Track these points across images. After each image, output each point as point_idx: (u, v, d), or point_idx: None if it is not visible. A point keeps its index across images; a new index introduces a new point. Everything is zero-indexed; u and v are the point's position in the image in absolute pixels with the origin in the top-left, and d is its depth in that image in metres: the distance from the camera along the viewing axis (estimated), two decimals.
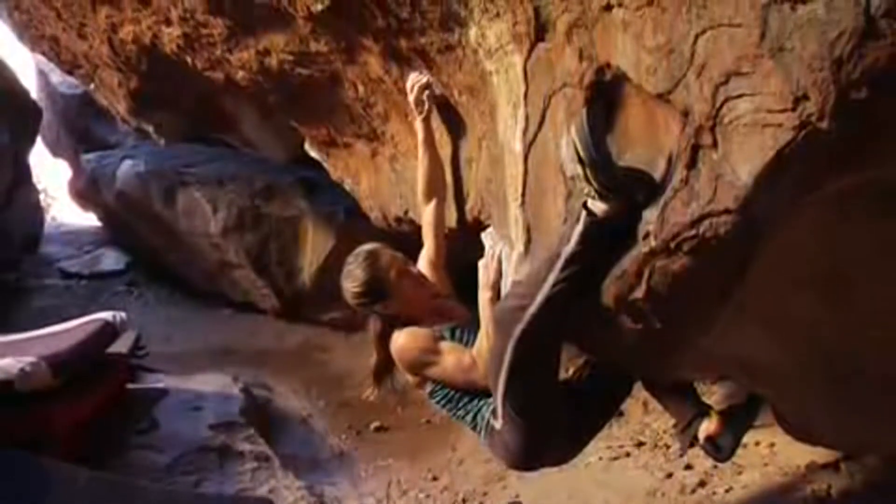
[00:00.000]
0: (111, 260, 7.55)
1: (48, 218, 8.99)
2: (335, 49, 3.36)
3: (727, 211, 1.78)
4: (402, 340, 2.83)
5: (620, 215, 2.06)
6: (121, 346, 4.10)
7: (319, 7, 3.13)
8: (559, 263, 2.16)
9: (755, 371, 2.66)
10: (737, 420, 2.80)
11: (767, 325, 2.33)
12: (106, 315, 3.98)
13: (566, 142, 2.29)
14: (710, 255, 1.88)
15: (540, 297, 2.19)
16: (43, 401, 3.34)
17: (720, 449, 2.79)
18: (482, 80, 2.79)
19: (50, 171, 9.85)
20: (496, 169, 2.86)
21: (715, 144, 1.78)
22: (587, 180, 2.02)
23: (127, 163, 6.68)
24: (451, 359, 2.76)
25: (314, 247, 5.81)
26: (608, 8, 2.03)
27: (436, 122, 3.22)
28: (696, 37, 1.76)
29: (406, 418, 4.82)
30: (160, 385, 4.31)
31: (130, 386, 4.19)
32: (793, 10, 1.52)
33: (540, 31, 2.36)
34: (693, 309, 2.09)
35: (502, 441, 2.65)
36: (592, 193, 2.04)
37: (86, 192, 7.52)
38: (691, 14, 1.77)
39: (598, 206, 2.06)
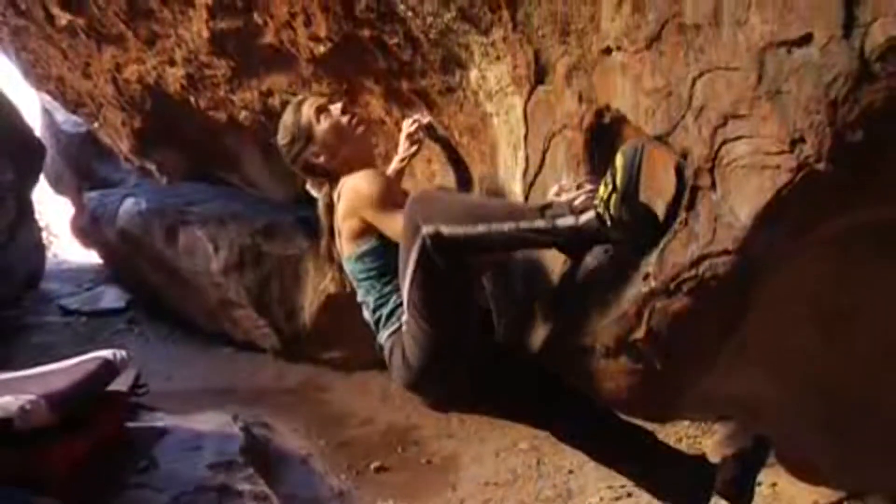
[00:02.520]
0: (112, 297, 7.53)
1: (49, 255, 8.98)
2: (337, 90, 3.39)
3: (726, 252, 1.79)
4: (363, 176, 2.54)
5: (617, 245, 2.07)
6: (120, 384, 4.09)
7: (322, 49, 3.18)
8: (520, 224, 2.08)
9: (756, 410, 2.65)
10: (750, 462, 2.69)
11: (768, 363, 2.33)
12: (106, 353, 3.96)
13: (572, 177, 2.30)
14: (709, 295, 1.88)
15: (476, 230, 2.10)
16: (42, 439, 3.32)
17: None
18: (483, 121, 2.81)
19: (52, 208, 9.88)
20: None
21: (714, 186, 1.79)
22: (607, 206, 1.96)
23: (129, 201, 6.70)
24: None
25: (315, 286, 5.81)
26: (607, 51, 2.07)
27: (437, 163, 3.24)
28: (694, 80, 1.79)
29: (406, 458, 4.79)
30: (160, 424, 4.28)
31: (130, 424, 4.16)
32: (789, 53, 1.54)
33: (540, 73, 2.39)
34: (694, 349, 2.09)
35: (402, 348, 2.41)
36: (606, 217, 1.99)
37: (87, 229, 7.54)
38: (689, 58, 1.79)
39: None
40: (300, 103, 2.75)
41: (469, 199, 2.53)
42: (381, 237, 2.52)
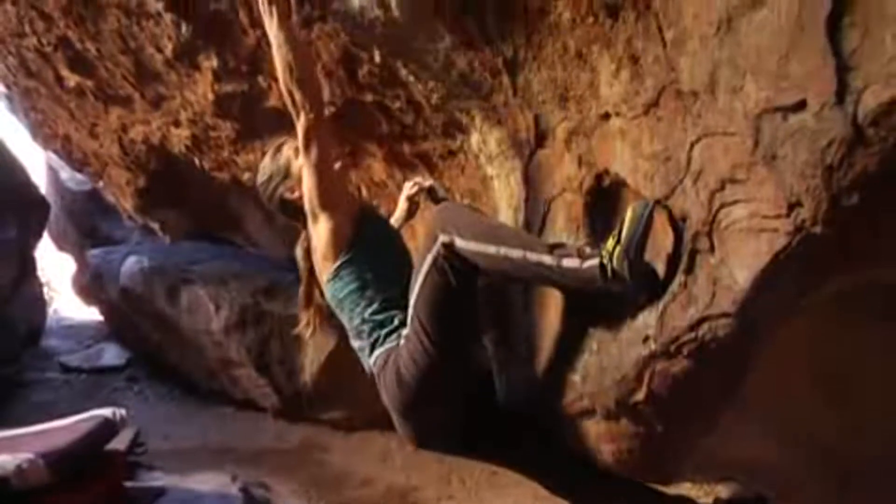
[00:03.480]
0: (112, 355, 7.51)
1: (50, 311, 8.98)
2: (340, 153, 3.42)
3: (725, 314, 1.80)
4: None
5: (616, 295, 2.07)
6: (119, 442, 4.06)
7: (325, 112, 3.21)
8: (529, 255, 2.12)
9: (758, 470, 2.63)
10: None
11: (769, 423, 2.33)
12: (105, 412, 3.94)
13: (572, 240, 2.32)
14: (710, 357, 1.89)
15: (487, 249, 2.16)
16: (40, 498, 3.29)
17: None
18: (483, 184, 2.84)
19: (54, 265, 9.91)
20: None
21: (712, 249, 1.81)
22: (611, 258, 1.97)
23: (131, 259, 6.71)
24: None
25: (316, 346, 5.79)
26: (606, 117, 2.10)
27: None
28: (692, 145, 1.81)
29: None
30: (158, 483, 4.24)
31: (128, 484, 4.13)
32: (784, 119, 1.57)
33: (540, 138, 2.42)
34: (695, 411, 2.09)
35: (397, 366, 2.35)
36: (608, 269, 1.97)
37: (89, 286, 7.54)
38: (687, 123, 1.82)
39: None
40: (279, 146, 2.73)
41: (490, 221, 2.49)
42: (353, 249, 2.51)
